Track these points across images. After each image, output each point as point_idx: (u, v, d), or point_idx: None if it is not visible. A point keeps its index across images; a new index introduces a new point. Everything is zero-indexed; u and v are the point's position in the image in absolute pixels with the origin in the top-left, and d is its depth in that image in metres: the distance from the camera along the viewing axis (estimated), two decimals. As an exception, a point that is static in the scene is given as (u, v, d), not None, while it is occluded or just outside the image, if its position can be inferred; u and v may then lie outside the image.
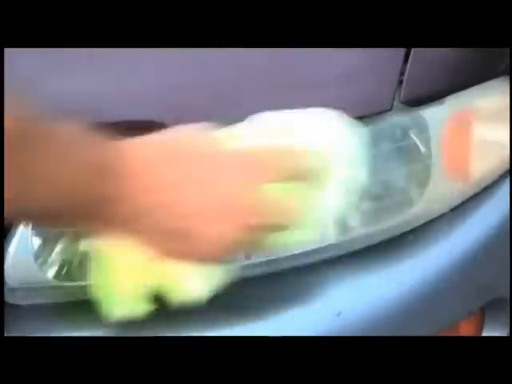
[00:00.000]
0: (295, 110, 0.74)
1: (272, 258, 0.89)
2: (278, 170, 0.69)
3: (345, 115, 0.74)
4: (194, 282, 0.72)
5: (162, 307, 0.72)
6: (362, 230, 0.92)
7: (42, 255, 0.85)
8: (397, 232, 0.95)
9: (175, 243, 0.67)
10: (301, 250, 0.89)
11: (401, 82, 0.91)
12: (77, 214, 0.63)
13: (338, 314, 0.87)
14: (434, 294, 0.94)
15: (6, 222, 0.66)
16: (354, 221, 0.91)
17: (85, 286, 0.81)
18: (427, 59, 0.92)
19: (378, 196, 0.92)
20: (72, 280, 0.86)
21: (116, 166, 0.63)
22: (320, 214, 0.73)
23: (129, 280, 0.71)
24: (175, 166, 0.67)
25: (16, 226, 0.83)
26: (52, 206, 0.60)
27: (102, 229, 0.67)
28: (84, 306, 0.77)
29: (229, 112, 0.81)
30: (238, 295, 0.86)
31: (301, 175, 0.70)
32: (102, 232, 0.68)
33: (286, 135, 0.72)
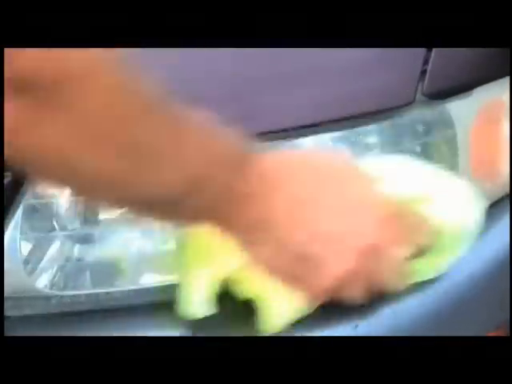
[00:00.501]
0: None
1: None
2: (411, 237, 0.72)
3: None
4: (283, 308, 0.73)
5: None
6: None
7: (31, 261, 0.82)
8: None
9: (298, 268, 0.66)
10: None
11: (424, 72, 0.88)
12: (200, 206, 0.62)
13: (355, 327, 0.83)
14: (460, 305, 0.90)
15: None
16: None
17: (80, 296, 0.80)
18: (453, 48, 0.88)
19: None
20: (65, 289, 0.83)
21: (256, 168, 0.63)
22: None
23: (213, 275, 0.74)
24: (324, 186, 0.67)
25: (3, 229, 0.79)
26: (176, 189, 0.60)
27: (223, 229, 0.66)
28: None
29: (240, 110, 0.81)
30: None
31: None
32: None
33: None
